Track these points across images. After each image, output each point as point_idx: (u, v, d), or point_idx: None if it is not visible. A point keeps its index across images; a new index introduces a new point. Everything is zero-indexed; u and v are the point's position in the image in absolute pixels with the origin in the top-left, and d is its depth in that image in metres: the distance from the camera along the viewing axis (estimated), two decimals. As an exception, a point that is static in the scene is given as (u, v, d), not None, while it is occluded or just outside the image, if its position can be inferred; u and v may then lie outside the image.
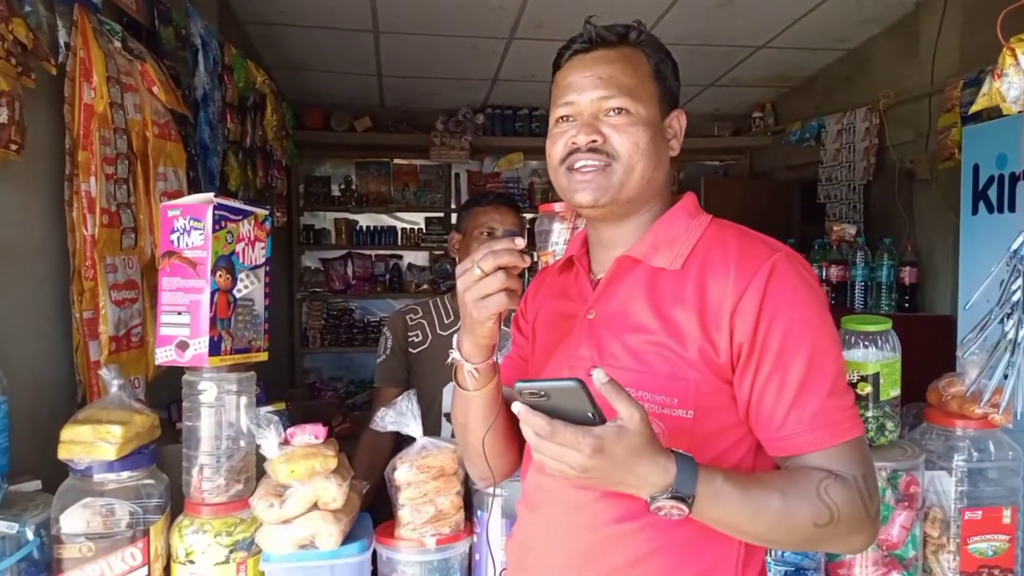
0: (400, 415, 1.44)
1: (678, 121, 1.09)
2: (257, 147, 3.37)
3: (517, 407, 0.80)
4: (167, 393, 2.19)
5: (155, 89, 1.90)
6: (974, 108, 1.45)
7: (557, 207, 1.52)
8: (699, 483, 0.83)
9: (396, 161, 5.40)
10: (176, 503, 1.38)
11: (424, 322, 2.12)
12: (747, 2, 3.43)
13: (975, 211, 2.18)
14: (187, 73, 2.27)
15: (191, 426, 1.35)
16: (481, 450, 1.13)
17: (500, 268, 0.93)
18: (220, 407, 1.36)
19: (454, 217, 5.44)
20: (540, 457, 0.83)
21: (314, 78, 4.64)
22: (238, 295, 1.37)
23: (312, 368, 5.36)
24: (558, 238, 1.52)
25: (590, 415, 0.79)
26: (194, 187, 2.27)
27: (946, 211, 3.35)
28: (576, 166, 1.03)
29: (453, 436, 1.56)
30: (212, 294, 1.29)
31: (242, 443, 1.39)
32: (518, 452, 1.18)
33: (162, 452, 1.42)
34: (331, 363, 5.42)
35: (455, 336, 1.06)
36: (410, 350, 2.09)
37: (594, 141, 1.02)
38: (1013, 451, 1.51)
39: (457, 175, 5.42)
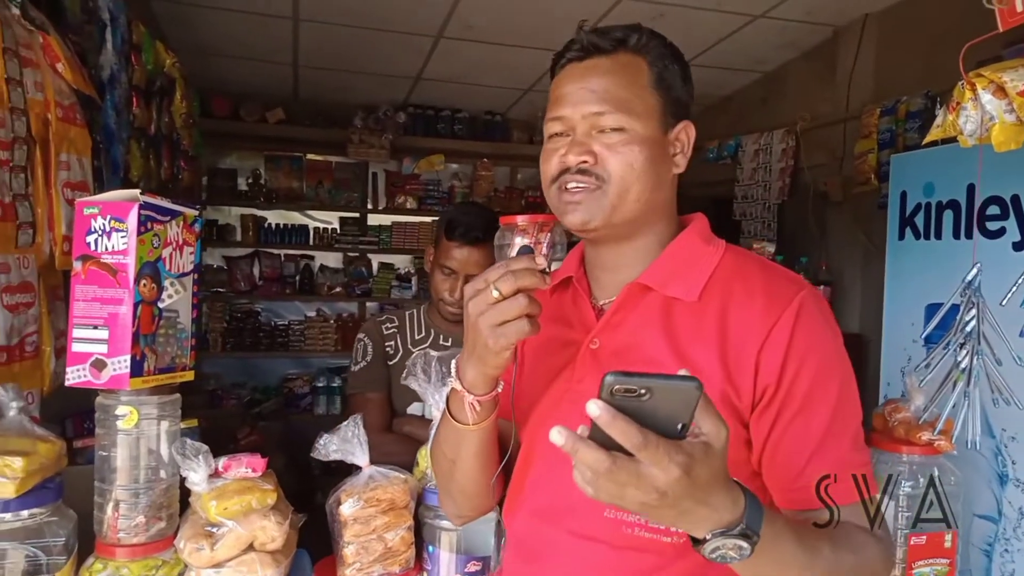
0: (344, 442, 1.31)
1: (685, 134, 1.01)
2: (163, 135, 3.10)
3: (597, 408, 0.61)
4: (60, 405, 1.96)
5: (59, 66, 1.68)
6: (928, 139, 1.47)
7: (519, 219, 1.42)
8: (764, 521, 0.71)
9: (310, 157, 5.15)
10: (83, 542, 1.20)
11: (398, 334, 2.00)
12: (677, 19, 3.46)
13: (902, 236, 2.25)
14: (93, 51, 2.04)
15: (104, 456, 1.18)
16: (469, 489, 1.04)
17: (519, 290, 0.82)
18: (139, 434, 1.19)
19: (371, 218, 5.27)
20: (595, 479, 0.64)
21: (223, 64, 4.36)
22: (163, 307, 1.21)
23: (211, 373, 5.03)
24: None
25: (679, 427, 0.64)
26: (96, 178, 2.04)
27: (856, 232, 3.49)
28: (567, 187, 0.96)
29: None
30: (135, 306, 1.13)
31: (163, 473, 1.22)
32: (502, 488, 1.09)
33: (68, 475, 1.23)
34: (233, 368, 5.10)
35: (453, 362, 0.95)
36: (387, 360, 1.98)
37: (584, 162, 0.94)
38: (955, 476, 1.54)
39: (375, 174, 5.23)
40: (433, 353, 1.39)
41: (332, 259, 5.30)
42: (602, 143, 0.94)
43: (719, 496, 0.68)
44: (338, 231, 5.21)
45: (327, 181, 5.18)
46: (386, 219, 5.23)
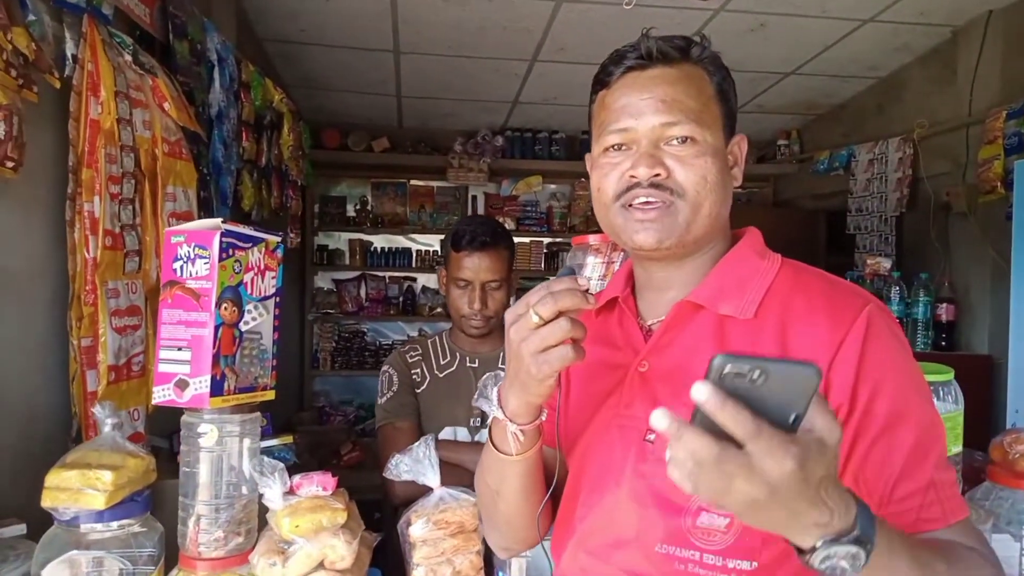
0: (416, 462, 1.32)
1: (739, 147, 0.97)
2: (272, 166, 3.29)
3: (706, 391, 0.55)
4: (170, 422, 2.09)
5: (166, 105, 1.81)
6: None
7: (592, 239, 1.41)
8: (877, 529, 0.64)
9: (413, 182, 5.32)
10: (171, 552, 1.27)
11: (423, 362, 1.97)
12: (780, 27, 3.34)
13: (1029, 249, 2.05)
14: (202, 89, 2.19)
15: (188, 472, 1.23)
16: (514, 521, 1.01)
17: (561, 313, 0.78)
18: (221, 452, 1.24)
19: (470, 240, 5.36)
20: (698, 470, 0.58)
21: (332, 97, 4.58)
22: (244, 328, 1.26)
23: (321, 391, 5.25)
24: (592, 273, 1.40)
25: (792, 419, 0.57)
26: (205, 207, 2.18)
27: (984, 246, 3.21)
28: (636, 203, 0.91)
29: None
30: (216, 329, 1.18)
31: (244, 490, 1.27)
32: (549, 519, 1.05)
33: (162, 488, 1.30)
34: (341, 386, 5.30)
35: (494, 390, 0.93)
36: (414, 389, 1.96)
37: (657, 175, 0.89)
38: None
39: (474, 197, 5.32)
40: (503, 374, 1.38)
41: (433, 280, 5.42)
42: (673, 155, 0.90)
43: (834, 497, 0.61)
44: (439, 253, 5.32)
45: (429, 205, 5.32)
46: (486, 241, 5.30)
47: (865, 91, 4.27)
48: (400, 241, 5.43)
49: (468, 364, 1.94)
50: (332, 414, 4.94)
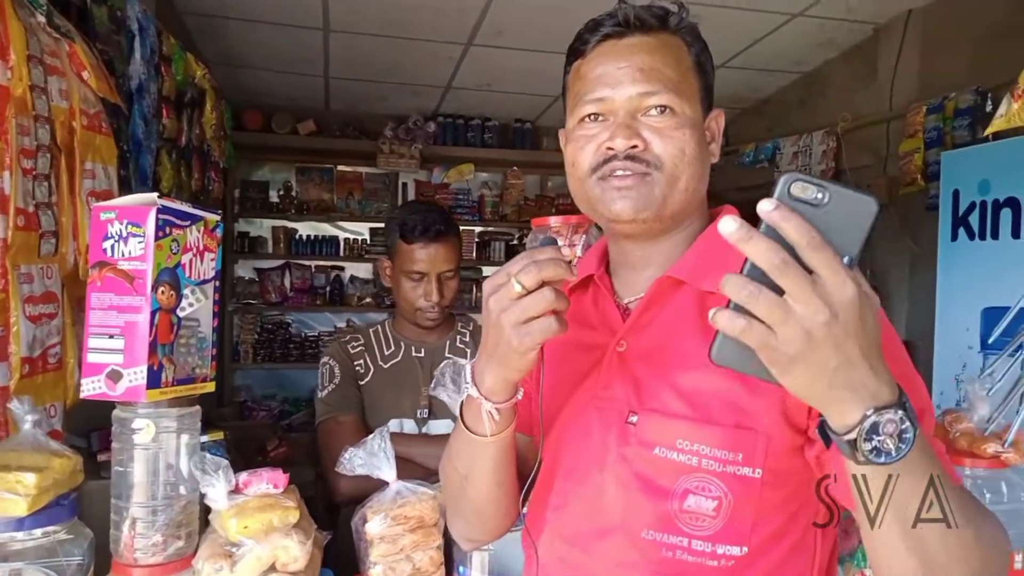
0: (371, 456, 1.25)
1: (716, 122, 0.94)
2: (193, 146, 3.10)
3: (772, 204, 0.53)
4: (86, 419, 1.93)
5: (85, 74, 1.66)
6: (990, 129, 1.37)
7: (552, 221, 1.36)
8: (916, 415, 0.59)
9: (340, 167, 5.16)
10: (99, 560, 1.16)
11: (366, 353, 1.88)
12: (714, 19, 3.38)
13: (954, 237, 2.14)
14: (121, 60, 2.03)
15: (121, 471, 1.13)
16: (483, 508, 0.96)
17: (544, 284, 0.74)
18: (157, 449, 1.14)
19: (400, 228, 5.24)
20: (758, 292, 0.54)
21: (254, 76, 4.38)
22: (182, 315, 1.16)
23: (243, 385, 5.03)
24: (553, 257, 1.36)
25: (847, 260, 0.55)
26: (124, 187, 2.02)
27: (903, 236, 3.36)
28: (615, 173, 0.87)
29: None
30: (152, 314, 1.08)
31: (182, 490, 1.17)
32: (519, 509, 1.01)
33: (85, 491, 1.19)
34: (264, 380, 5.10)
35: (467, 367, 0.87)
36: (357, 381, 1.86)
37: (635, 147, 0.85)
38: (1025, 493, 1.43)
39: (404, 184, 5.21)
40: (462, 361, 1.32)
41: (362, 270, 5.29)
42: (650, 127, 0.86)
43: (881, 363, 0.57)
44: (368, 241, 5.19)
45: (357, 192, 5.17)
46: (417, 229, 5.20)
47: (789, 85, 4.39)
48: (327, 229, 5.26)
49: (414, 354, 1.87)
50: (255, 409, 4.75)
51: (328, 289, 5.12)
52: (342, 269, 5.21)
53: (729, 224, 0.54)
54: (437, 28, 3.55)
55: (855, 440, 0.58)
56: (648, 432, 0.84)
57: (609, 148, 0.87)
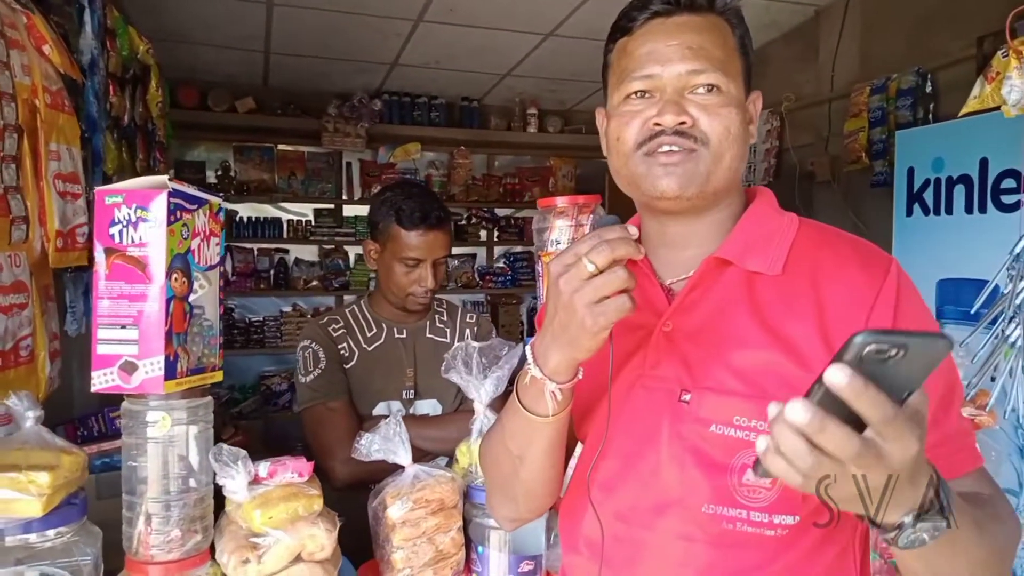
0: (387, 440, 1.24)
1: (755, 104, 0.96)
2: (136, 125, 2.95)
3: (845, 375, 0.52)
4: (51, 412, 1.84)
5: (46, 48, 1.56)
6: (965, 110, 1.44)
7: (559, 201, 1.36)
8: (950, 490, 0.64)
9: (281, 147, 4.99)
10: (108, 560, 1.11)
11: (348, 336, 1.84)
12: None
13: (909, 213, 2.24)
14: (74, 34, 1.91)
15: (133, 466, 1.08)
16: (536, 488, 0.96)
17: (615, 262, 0.74)
18: (170, 442, 1.10)
19: (346, 209, 5.14)
20: (818, 463, 0.56)
21: (190, 51, 4.18)
22: (192, 302, 1.11)
23: (185, 372, 4.85)
24: (560, 236, 1.36)
25: (906, 395, 0.56)
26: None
27: (846, 211, 3.50)
28: (660, 151, 0.88)
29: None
30: (167, 302, 1.03)
31: (192, 482, 1.13)
32: (561, 486, 1.01)
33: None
34: (208, 366, 4.94)
35: (527, 348, 0.86)
36: (342, 364, 1.81)
37: (683, 123, 0.86)
38: (995, 452, 1.53)
39: (349, 164, 5.10)
40: (474, 344, 1.32)
41: (307, 252, 5.16)
42: (697, 104, 0.87)
43: (921, 470, 0.61)
44: (313, 223, 5.07)
45: (300, 172, 5.02)
46: (362, 209, 5.08)
47: (731, 65, 4.49)
48: (268, 210, 5.10)
49: (396, 335, 1.85)
50: (200, 396, 4.59)
51: (272, 272, 4.98)
52: (286, 252, 5.07)
53: (801, 412, 0.55)
54: (387, 3, 3.47)
55: (894, 538, 0.64)
56: (704, 409, 0.86)
57: (657, 124, 0.88)
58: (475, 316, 2.00)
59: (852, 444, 0.55)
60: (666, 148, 0.87)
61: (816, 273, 0.87)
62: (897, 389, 0.55)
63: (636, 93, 0.90)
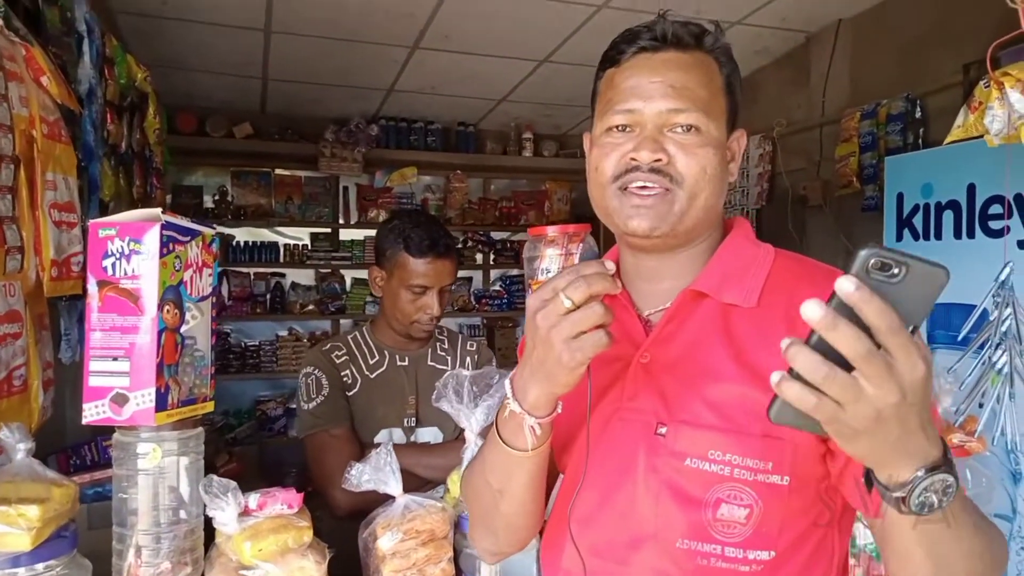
0: (377, 471, 1.24)
1: (738, 142, 0.97)
2: (134, 152, 2.97)
3: (853, 283, 0.53)
4: (42, 441, 1.84)
5: (44, 80, 1.58)
6: (950, 139, 1.46)
7: (549, 230, 1.37)
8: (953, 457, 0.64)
9: (278, 171, 5.02)
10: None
11: (351, 363, 1.85)
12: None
13: (899, 238, 2.27)
14: (72, 64, 1.93)
15: (124, 498, 1.09)
16: (516, 522, 0.96)
17: (592, 298, 0.74)
18: (160, 473, 1.10)
19: (343, 233, 5.15)
20: (833, 375, 0.55)
21: (188, 78, 4.22)
22: (184, 333, 1.12)
23: (181, 397, 4.84)
24: (550, 265, 1.37)
25: (911, 330, 0.57)
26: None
27: (837, 235, 3.53)
28: (632, 186, 0.89)
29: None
30: (159, 334, 1.04)
31: (183, 514, 1.13)
32: (543, 519, 1.01)
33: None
34: (203, 391, 4.92)
35: (506, 382, 0.87)
36: (345, 391, 1.82)
37: (659, 160, 0.87)
38: (986, 478, 1.53)
39: (346, 188, 5.12)
40: (465, 373, 1.33)
41: (304, 276, 5.17)
42: (676, 142, 0.88)
43: (931, 424, 0.61)
44: (309, 247, 5.08)
45: (296, 196, 5.05)
46: (359, 233, 5.12)
47: (724, 90, 4.54)
48: (265, 235, 5.12)
49: (399, 363, 1.86)
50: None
51: (268, 297, 4.98)
52: (283, 276, 5.08)
53: (814, 309, 0.54)
54: (383, 31, 3.51)
55: (905, 497, 0.61)
56: (679, 443, 0.86)
57: (633, 159, 0.89)
58: (476, 344, 2.01)
59: (863, 343, 0.54)
60: (639, 183, 0.88)
61: (791, 306, 0.87)
62: (903, 316, 0.56)
63: (617, 127, 0.91)
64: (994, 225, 1.97)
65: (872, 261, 0.55)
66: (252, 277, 4.98)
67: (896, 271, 0.55)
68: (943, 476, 0.61)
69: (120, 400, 1.03)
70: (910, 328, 0.56)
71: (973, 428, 1.49)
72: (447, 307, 1.86)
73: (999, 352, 1.37)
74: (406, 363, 1.86)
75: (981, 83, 1.43)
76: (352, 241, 5.11)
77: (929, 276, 0.56)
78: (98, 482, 1.55)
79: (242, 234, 5.01)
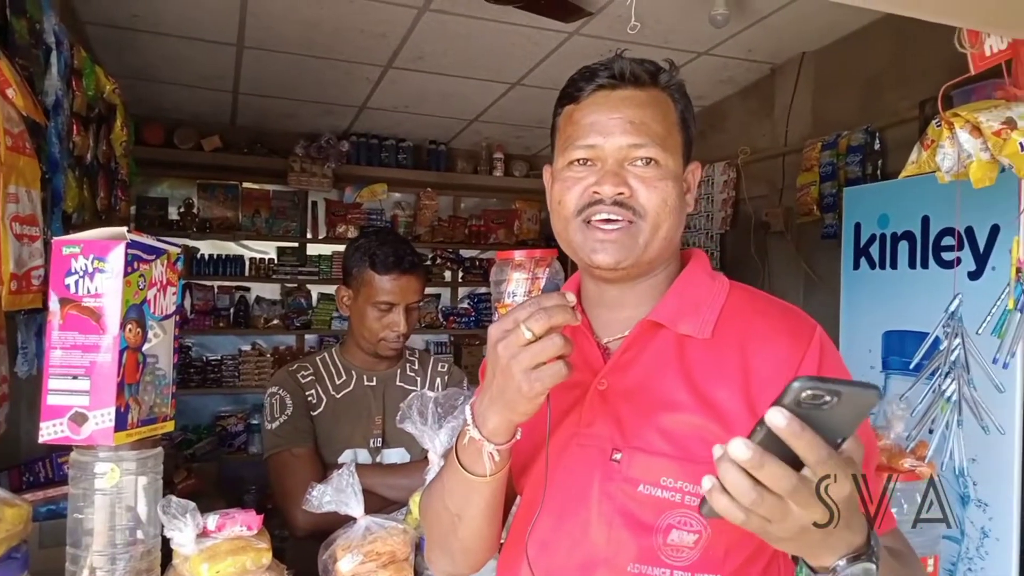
0: (339, 492, 1.24)
1: (693, 175, 1.00)
2: (99, 164, 2.94)
3: (784, 417, 0.56)
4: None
5: (9, 92, 1.56)
6: (904, 174, 1.52)
7: (516, 255, 1.39)
8: (878, 540, 0.69)
9: (246, 185, 4.98)
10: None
11: (317, 383, 1.84)
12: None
13: (856, 266, 2.33)
14: (39, 76, 1.91)
15: (79, 518, 1.07)
16: (473, 545, 0.97)
17: (551, 329, 0.76)
18: (117, 493, 1.09)
19: (310, 247, 5.13)
20: (761, 500, 0.59)
21: (157, 89, 4.19)
22: (146, 352, 1.12)
23: (140, 411, 4.75)
24: (516, 288, 1.39)
25: (839, 442, 0.60)
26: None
27: (798, 261, 3.61)
28: (595, 219, 0.92)
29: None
30: (120, 353, 1.04)
31: (139, 534, 1.12)
32: (499, 542, 1.03)
33: None
34: (163, 406, 4.83)
35: (467, 408, 0.88)
36: (309, 412, 1.81)
37: (621, 193, 0.91)
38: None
39: (315, 203, 5.10)
40: (430, 394, 1.34)
41: (269, 290, 5.13)
42: (636, 176, 0.91)
43: (855, 515, 0.65)
44: (276, 261, 5.04)
45: (264, 210, 5.01)
46: (326, 248, 5.10)
47: (691, 117, 4.63)
48: (231, 248, 5.07)
49: (366, 383, 1.85)
50: (154, 437, 4.49)
51: (232, 311, 4.93)
52: (247, 290, 5.03)
53: (742, 448, 0.58)
54: (357, 50, 3.53)
55: None
56: (633, 469, 0.88)
57: (596, 192, 0.92)
58: (447, 365, 2.02)
59: (789, 479, 0.58)
60: (603, 216, 0.91)
61: (744, 339, 0.91)
62: (831, 435, 0.59)
63: (579, 160, 0.94)
64: (947, 256, 2.04)
65: (804, 394, 0.57)
66: (216, 290, 4.92)
67: (828, 399, 0.57)
68: (864, 565, 0.66)
69: (79, 419, 1.02)
70: (840, 440, 0.60)
71: (924, 453, 1.54)
72: (415, 325, 1.87)
73: (948, 381, 1.42)
74: (374, 383, 1.86)
75: (933, 122, 1.50)
76: (320, 256, 5.08)
77: (860, 398, 0.59)
78: (52, 499, 1.52)
79: (207, 247, 4.96)
